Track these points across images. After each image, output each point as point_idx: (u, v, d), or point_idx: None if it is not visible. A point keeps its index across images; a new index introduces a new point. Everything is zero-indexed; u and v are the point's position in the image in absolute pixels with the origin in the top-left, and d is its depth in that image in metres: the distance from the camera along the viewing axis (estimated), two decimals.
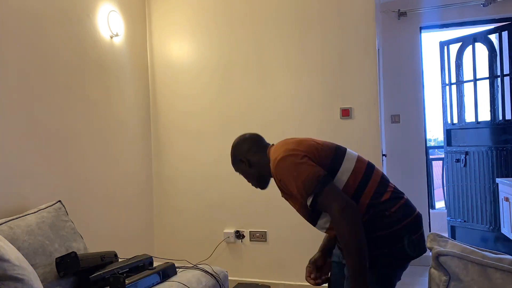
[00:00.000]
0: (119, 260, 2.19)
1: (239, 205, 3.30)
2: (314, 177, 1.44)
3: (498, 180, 3.58)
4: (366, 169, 1.59)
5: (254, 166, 1.72)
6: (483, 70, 4.09)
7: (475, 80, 4.12)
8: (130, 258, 2.19)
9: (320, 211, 1.53)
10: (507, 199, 3.37)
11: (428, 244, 1.68)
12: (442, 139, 4.50)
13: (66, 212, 2.26)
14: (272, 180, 1.70)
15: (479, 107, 4.10)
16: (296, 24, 3.17)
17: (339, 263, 1.72)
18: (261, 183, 1.77)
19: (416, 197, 4.02)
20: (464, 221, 4.16)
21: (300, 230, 2.95)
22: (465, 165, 4.14)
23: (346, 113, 3.05)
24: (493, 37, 4.01)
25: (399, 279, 1.63)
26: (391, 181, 1.65)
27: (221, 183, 3.35)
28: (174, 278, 2.13)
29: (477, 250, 1.57)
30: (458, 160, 4.21)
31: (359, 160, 1.62)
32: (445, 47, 4.31)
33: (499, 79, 3.95)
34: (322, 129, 3.11)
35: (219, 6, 3.37)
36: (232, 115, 3.32)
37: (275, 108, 3.21)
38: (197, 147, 3.43)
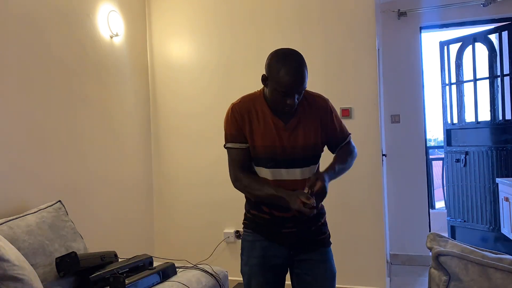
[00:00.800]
0: (119, 260, 2.19)
1: (239, 205, 3.28)
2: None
3: (498, 180, 3.58)
4: None
5: None
6: (483, 70, 4.09)
7: (475, 80, 4.12)
8: (130, 258, 2.19)
9: (317, 160, 1.70)
10: (507, 199, 3.37)
11: (428, 244, 1.68)
12: (442, 139, 4.50)
13: (66, 212, 2.26)
14: None
15: (479, 107, 4.10)
16: (296, 24, 3.17)
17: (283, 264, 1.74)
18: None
19: (416, 197, 4.03)
20: (464, 221, 4.16)
21: None
22: (465, 165, 4.14)
23: (346, 113, 3.05)
24: (493, 37, 4.01)
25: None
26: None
27: (221, 183, 3.34)
28: (174, 278, 2.13)
29: (477, 250, 1.57)
30: (458, 160, 4.21)
31: None
32: (445, 47, 4.31)
33: (499, 79, 3.95)
34: None
35: (219, 6, 3.37)
36: None
37: None
38: (197, 147, 3.43)
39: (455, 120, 4.28)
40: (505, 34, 3.88)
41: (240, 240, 3.40)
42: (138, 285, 1.94)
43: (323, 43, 3.11)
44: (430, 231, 4.00)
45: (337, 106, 3.07)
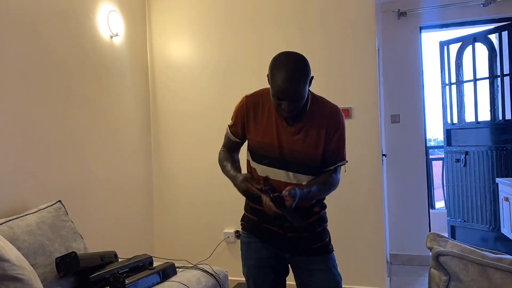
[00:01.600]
0: (119, 260, 2.19)
1: (239, 205, 3.28)
2: None
3: (498, 180, 3.58)
4: None
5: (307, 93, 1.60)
6: (483, 70, 4.09)
7: (475, 80, 4.12)
8: (130, 258, 2.19)
9: (312, 172, 1.64)
10: (507, 199, 3.37)
11: (428, 244, 1.68)
12: (442, 139, 4.50)
13: (66, 212, 2.26)
14: None
15: (479, 107, 4.10)
16: (297, 24, 3.17)
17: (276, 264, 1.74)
18: (299, 112, 1.60)
19: (416, 197, 4.03)
20: (464, 221, 4.16)
21: None
22: (465, 165, 4.14)
23: (346, 113, 3.05)
24: (493, 37, 4.01)
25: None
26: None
27: (221, 183, 3.33)
28: (174, 278, 2.13)
29: (477, 250, 1.57)
30: (458, 160, 4.21)
31: None
32: (445, 47, 4.31)
33: (499, 79, 3.95)
34: None
35: (220, 6, 3.37)
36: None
37: None
38: (197, 147, 3.43)
39: (455, 120, 4.28)
40: (505, 34, 3.88)
41: (239, 241, 3.41)
42: (138, 285, 1.94)
43: (323, 43, 3.11)
44: (430, 231, 4.00)
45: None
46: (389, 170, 4.02)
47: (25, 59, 2.36)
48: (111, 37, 3.07)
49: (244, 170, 1.74)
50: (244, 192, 1.60)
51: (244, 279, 1.87)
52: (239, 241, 3.31)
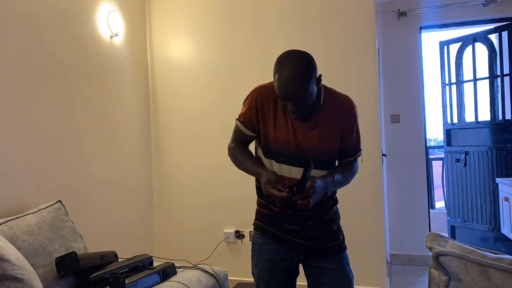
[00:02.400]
0: (119, 260, 2.19)
1: (239, 205, 3.30)
2: None
3: (498, 180, 3.58)
4: None
5: (315, 91, 1.52)
6: (483, 70, 4.09)
7: (475, 80, 4.12)
8: (130, 258, 2.19)
9: (328, 166, 1.61)
10: (507, 199, 3.37)
11: (428, 244, 1.68)
12: (442, 139, 4.50)
13: (66, 212, 2.26)
14: None
15: (479, 107, 4.10)
16: (297, 24, 3.17)
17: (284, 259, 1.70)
18: (310, 110, 1.54)
19: (416, 197, 4.03)
20: (464, 221, 4.16)
21: None
22: (465, 165, 4.14)
23: None
24: (493, 37, 4.01)
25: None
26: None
27: (221, 183, 3.35)
28: (174, 278, 2.13)
29: (477, 250, 1.57)
30: (458, 160, 4.21)
31: None
32: (445, 47, 4.31)
33: (499, 79, 3.95)
34: None
35: (220, 6, 3.37)
36: (233, 115, 3.29)
37: None
38: (197, 147, 3.43)
39: (455, 120, 4.28)
40: (505, 34, 3.88)
41: (239, 240, 3.42)
42: (138, 285, 1.94)
43: (323, 43, 3.11)
44: (430, 231, 4.00)
45: None
46: (389, 170, 4.02)
47: (25, 59, 2.36)
48: (111, 37, 3.07)
49: None
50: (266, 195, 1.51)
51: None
52: (239, 241, 3.34)
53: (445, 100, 4.35)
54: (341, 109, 1.60)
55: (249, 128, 1.65)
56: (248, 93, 1.73)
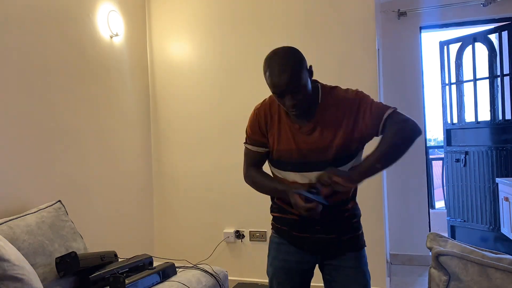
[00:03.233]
0: (119, 260, 2.19)
1: (239, 205, 3.30)
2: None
3: (498, 180, 3.58)
4: None
5: (310, 81, 1.48)
6: (483, 70, 4.09)
7: (475, 80, 4.12)
8: (130, 258, 2.19)
9: (352, 156, 1.56)
10: (507, 199, 3.37)
11: (428, 244, 1.68)
12: (442, 139, 4.50)
13: (66, 212, 2.26)
14: None
15: (479, 107, 4.10)
16: (296, 24, 3.17)
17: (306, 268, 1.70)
18: (308, 106, 1.51)
19: (416, 197, 4.03)
20: (464, 221, 4.16)
21: None
22: (465, 165, 4.14)
23: None
24: (493, 37, 4.01)
25: None
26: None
27: (221, 183, 3.35)
28: (174, 278, 2.13)
29: (477, 250, 1.57)
30: (458, 160, 4.21)
31: None
32: (445, 47, 4.31)
33: (499, 79, 3.95)
34: None
35: (219, 6, 3.37)
36: (232, 115, 3.32)
37: None
38: (197, 147, 3.43)
39: (455, 120, 4.28)
40: (505, 34, 3.88)
41: (239, 240, 3.42)
42: (138, 285, 1.94)
43: (323, 43, 3.11)
44: (430, 231, 4.00)
45: None
46: (389, 170, 4.01)
47: (25, 58, 2.36)
48: (111, 37, 3.07)
49: None
50: (296, 206, 1.49)
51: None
52: (239, 241, 3.34)
53: (445, 100, 4.35)
54: (341, 104, 1.53)
55: (259, 145, 1.65)
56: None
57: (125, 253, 2.46)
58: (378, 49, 3.49)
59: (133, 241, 3.23)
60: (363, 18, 3.03)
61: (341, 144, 1.52)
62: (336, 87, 1.62)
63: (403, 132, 1.48)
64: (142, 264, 2.17)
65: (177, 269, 2.24)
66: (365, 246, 1.70)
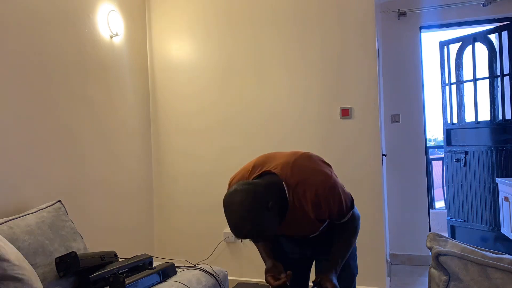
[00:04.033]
0: (119, 260, 2.19)
1: None
2: (350, 196, 1.64)
3: (498, 180, 3.58)
4: None
5: (274, 214, 1.45)
6: (483, 70, 4.09)
7: (475, 80, 4.12)
8: (130, 258, 2.19)
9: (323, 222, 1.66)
10: (507, 199, 3.37)
11: (428, 244, 1.68)
12: (442, 139, 4.50)
13: (66, 212, 2.26)
14: None
15: (479, 107, 4.10)
16: (296, 24, 3.17)
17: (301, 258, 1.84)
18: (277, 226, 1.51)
19: (416, 197, 4.03)
20: (464, 221, 4.16)
21: None
22: (465, 165, 4.14)
23: (346, 113, 3.06)
24: (493, 37, 4.01)
25: None
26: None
27: (221, 183, 3.35)
28: (174, 278, 2.13)
29: (477, 250, 1.57)
30: (458, 160, 4.21)
31: None
32: (445, 47, 4.31)
33: (499, 79, 3.95)
34: (322, 129, 3.11)
35: (219, 6, 3.37)
36: (232, 114, 3.32)
37: (275, 108, 3.21)
38: (197, 147, 3.44)
39: (455, 120, 4.29)
40: (505, 34, 3.88)
41: (239, 240, 3.40)
42: (138, 285, 1.94)
43: (323, 43, 3.11)
44: (430, 231, 4.00)
45: (337, 106, 3.08)
46: (389, 170, 4.02)
47: (25, 58, 2.36)
48: (111, 37, 3.07)
49: None
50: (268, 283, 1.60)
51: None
52: (239, 241, 3.33)
53: (445, 100, 4.35)
54: (306, 198, 1.50)
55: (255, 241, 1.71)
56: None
57: (125, 253, 2.46)
58: (378, 49, 3.49)
59: (133, 241, 3.23)
60: (363, 18, 3.03)
61: (317, 220, 1.59)
62: (298, 183, 1.51)
63: (356, 232, 1.68)
64: (142, 264, 2.17)
65: (177, 269, 2.24)
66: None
